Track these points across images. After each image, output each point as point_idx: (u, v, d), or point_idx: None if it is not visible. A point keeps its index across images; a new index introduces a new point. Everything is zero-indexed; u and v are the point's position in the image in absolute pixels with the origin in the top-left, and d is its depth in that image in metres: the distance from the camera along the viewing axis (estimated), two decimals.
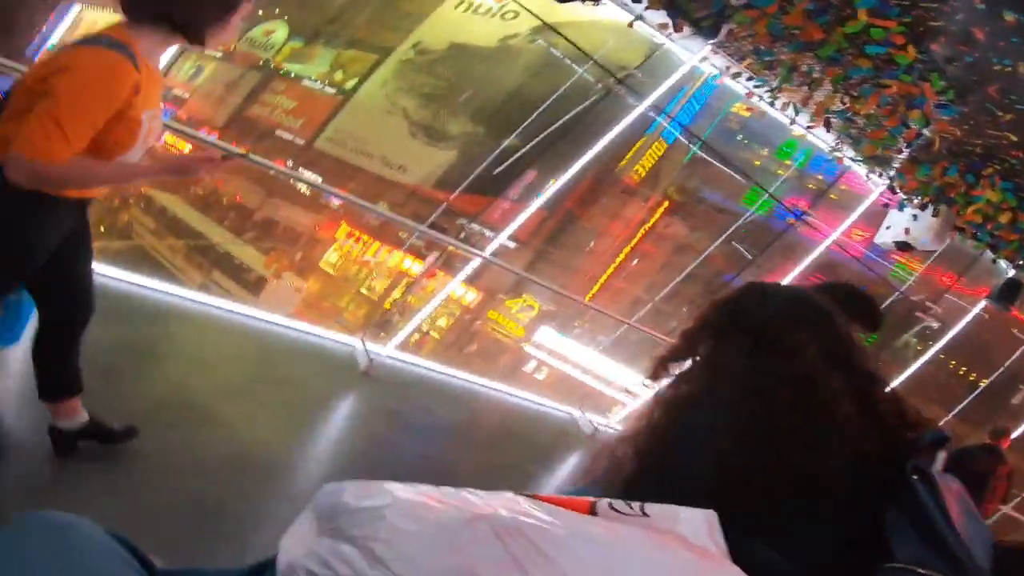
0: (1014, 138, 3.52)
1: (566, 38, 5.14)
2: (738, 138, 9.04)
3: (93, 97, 1.69)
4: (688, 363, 1.01)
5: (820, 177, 7.69)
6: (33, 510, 0.67)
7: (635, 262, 9.97)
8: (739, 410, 0.88)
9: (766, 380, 0.89)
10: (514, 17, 8.41)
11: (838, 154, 5.07)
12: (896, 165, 4.74)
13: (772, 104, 4.65)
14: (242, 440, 2.96)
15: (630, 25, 3.98)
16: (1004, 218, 4.33)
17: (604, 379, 7.56)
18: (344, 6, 9.68)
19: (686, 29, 3.81)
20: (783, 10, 3.15)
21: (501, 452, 4.34)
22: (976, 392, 8.74)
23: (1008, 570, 0.86)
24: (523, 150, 8.43)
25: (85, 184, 1.90)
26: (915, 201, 4.87)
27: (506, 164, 8.50)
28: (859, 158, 5.01)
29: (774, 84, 4.31)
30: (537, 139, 8.27)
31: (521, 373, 9.22)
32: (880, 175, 5.23)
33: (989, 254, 5.47)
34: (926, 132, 3.82)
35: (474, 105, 9.17)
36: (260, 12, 9.39)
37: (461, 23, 9.05)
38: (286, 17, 9.66)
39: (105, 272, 3.43)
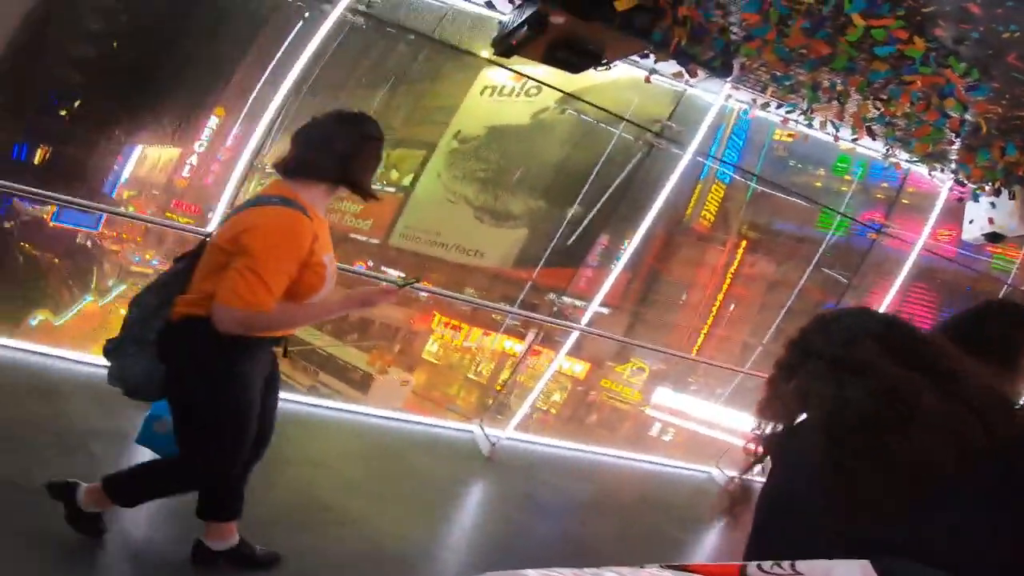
0: None
1: (593, 104, 5.37)
2: (790, 164, 8.94)
3: (284, 250, 1.90)
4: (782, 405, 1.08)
5: (885, 185, 7.41)
6: None
7: (732, 307, 9.82)
8: (830, 425, 0.94)
9: (850, 391, 0.94)
10: (537, 93, 8.77)
11: (893, 159, 4.95)
12: (953, 157, 4.58)
13: (810, 125, 4.63)
14: (375, 535, 2.95)
15: (647, 80, 4.13)
16: None
17: (733, 431, 7.31)
18: (379, 111, 10.49)
19: (700, 73, 3.93)
20: (782, 34, 3.24)
21: (639, 521, 4.22)
22: None
23: None
24: (589, 216, 8.61)
25: (288, 327, 2.12)
26: (987, 188, 4.66)
27: (576, 234, 8.69)
28: (915, 158, 4.87)
29: (804, 106, 4.32)
30: (599, 204, 8.45)
31: (647, 437, 9.04)
32: (943, 170, 5.05)
33: None
34: (969, 117, 3.73)
35: (528, 182, 9.51)
36: None
37: (491, 107, 9.50)
38: None
39: None
